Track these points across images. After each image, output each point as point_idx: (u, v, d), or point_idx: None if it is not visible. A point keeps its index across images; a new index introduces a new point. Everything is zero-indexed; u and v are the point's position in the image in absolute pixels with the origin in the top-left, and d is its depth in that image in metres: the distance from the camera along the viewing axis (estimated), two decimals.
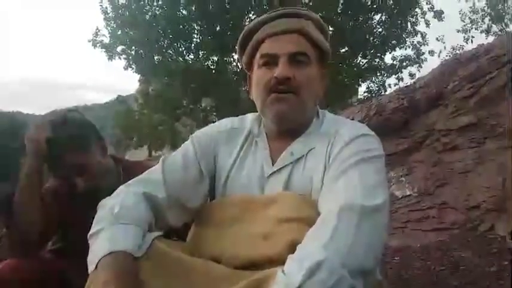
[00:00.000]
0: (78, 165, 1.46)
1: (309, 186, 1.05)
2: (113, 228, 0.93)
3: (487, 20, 17.81)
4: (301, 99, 1.08)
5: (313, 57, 1.12)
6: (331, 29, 10.28)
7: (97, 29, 11.46)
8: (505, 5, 17.45)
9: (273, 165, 1.11)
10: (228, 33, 10.74)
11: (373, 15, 11.64)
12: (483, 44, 3.79)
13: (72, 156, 1.45)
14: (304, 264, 0.77)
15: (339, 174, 0.98)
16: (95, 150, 1.52)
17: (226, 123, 1.24)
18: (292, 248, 0.86)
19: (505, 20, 17.53)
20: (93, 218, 1.00)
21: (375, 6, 11.34)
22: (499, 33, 16.64)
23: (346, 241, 0.82)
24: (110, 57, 11.34)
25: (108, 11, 11.20)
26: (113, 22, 11.21)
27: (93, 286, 0.86)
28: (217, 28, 10.92)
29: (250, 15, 11.20)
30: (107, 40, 11.39)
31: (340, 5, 11.05)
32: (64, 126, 1.45)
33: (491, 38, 16.41)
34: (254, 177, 1.12)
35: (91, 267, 0.88)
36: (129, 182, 1.09)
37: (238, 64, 11.43)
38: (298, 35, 1.12)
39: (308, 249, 0.82)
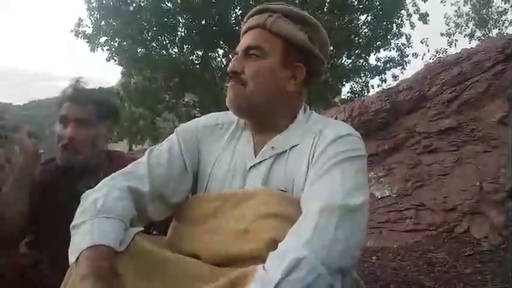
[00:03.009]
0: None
1: (290, 183, 1.05)
2: (96, 221, 0.93)
3: (471, 24, 17.80)
4: (248, 90, 1.10)
5: (272, 49, 1.12)
6: None
7: (80, 19, 11.24)
8: (489, 10, 17.58)
9: (255, 158, 1.11)
10: (213, 27, 10.64)
11: (359, 15, 11.61)
12: (467, 48, 3.83)
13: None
14: (284, 261, 0.78)
15: (322, 172, 0.98)
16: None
17: (211, 118, 1.25)
18: (271, 245, 0.87)
19: (489, 25, 17.65)
20: (74, 209, 1.00)
21: (361, 6, 11.31)
22: (483, 38, 16.73)
23: (325, 239, 0.83)
24: (93, 48, 11.14)
25: (92, 1, 11.00)
26: (96, 12, 11.00)
27: (73, 278, 0.87)
28: (203, 22, 10.80)
29: (236, 10, 11.12)
30: (89, 31, 11.18)
31: (326, 4, 11.02)
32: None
33: (474, 43, 16.59)
34: (237, 168, 1.12)
35: (72, 258, 0.89)
36: (114, 174, 1.09)
37: (223, 60, 11.35)
38: (259, 29, 1.13)
39: (288, 247, 0.83)
